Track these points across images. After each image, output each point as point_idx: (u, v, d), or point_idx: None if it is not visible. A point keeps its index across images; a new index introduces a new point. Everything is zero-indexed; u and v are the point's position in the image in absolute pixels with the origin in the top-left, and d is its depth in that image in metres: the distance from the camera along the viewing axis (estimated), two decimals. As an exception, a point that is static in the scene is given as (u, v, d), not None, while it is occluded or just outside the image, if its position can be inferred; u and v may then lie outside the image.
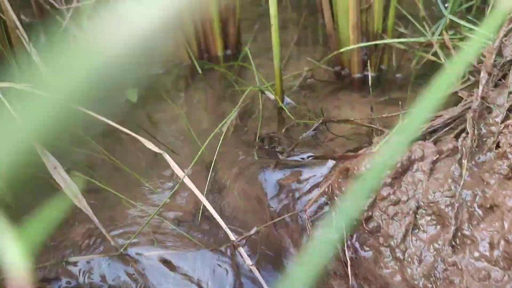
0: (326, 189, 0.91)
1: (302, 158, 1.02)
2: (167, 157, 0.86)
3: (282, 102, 1.23)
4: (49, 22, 1.90)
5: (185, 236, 0.91)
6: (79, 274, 0.84)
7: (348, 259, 0.86)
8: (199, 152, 0.99)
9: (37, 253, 0.92)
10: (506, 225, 0.75)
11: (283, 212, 0.94)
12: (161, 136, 1.23)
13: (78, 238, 0.94)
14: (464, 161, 0.82)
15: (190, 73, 1.53)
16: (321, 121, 1.06)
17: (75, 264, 0.86)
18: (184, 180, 0.84)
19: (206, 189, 0.97)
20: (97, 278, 0.84)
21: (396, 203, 0.86)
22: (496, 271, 0.75)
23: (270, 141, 1.12)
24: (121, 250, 0.85)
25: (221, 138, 1.12)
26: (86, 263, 0.87)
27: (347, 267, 0.85)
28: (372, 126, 1.04)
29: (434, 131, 0.90)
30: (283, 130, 1.16)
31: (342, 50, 1.26)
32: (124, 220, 0.95)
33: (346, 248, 0.88)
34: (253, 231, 0.85)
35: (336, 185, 0.91)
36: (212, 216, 0.85)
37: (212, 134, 1.04)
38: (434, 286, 0.80)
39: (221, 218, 0.93)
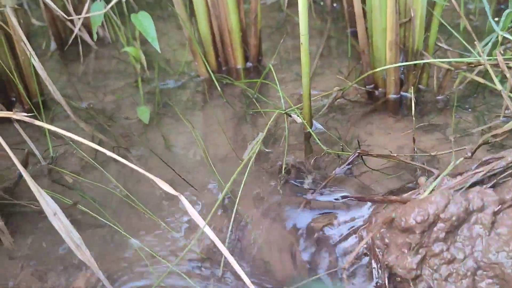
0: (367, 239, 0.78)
1: (336, 199, 0.90)
2: (184, 201, 0.75)
3: (311, 126, 1.11)
4: (59, 28, 1.80)
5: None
6: None
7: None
8: (221, 197, 0.87)
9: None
10: None
11: (316, 262, 0.82)
12: (177, 163, 1.11)
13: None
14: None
15: (208, 88, 1.41)
16: (357, 154, 0.94)
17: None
18: (205, 229, 0.73)
19: (228, 237, 0.85)
20: None
21: (451, 262, 0.73)
22: None
23: (297, 174, 1.00)
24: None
25: (245, 167, 1.00)
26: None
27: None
28: (417, 164, 0.91)
29: (494, 175, 0.78)
30: (312, 160, 1.03)
31: (378, 69, 1.13)
32: (132, 269, 0.84)
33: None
34: (283, 290, 0.74)
35: (378, 235, 0.79)
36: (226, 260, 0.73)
37: (235, 173, 0.92)
38: None
39: (242, 263, 0.81)
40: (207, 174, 1.07)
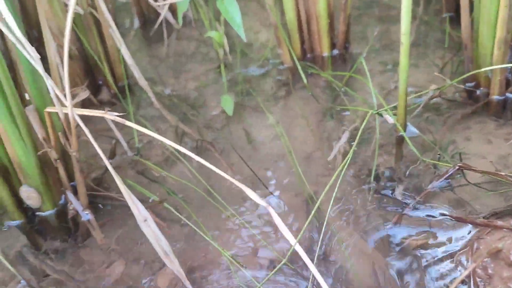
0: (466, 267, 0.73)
1: (431, 216, 0.84)
2: (273, 214, 0.72)
3: (405, 130, 1.03)
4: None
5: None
6: None
7: None
8: (311, 215, 0.84)
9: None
10: None
11: (406, 283, 0.77)
12: (259, 161, 1.09)
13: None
14: None
15: (292, 78, 1.37)
16: (457, 167, 0.86)
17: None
18: (296, 248, 0.70)
19: (316, 253, 0.82)
20: None
21: None
22: None
23: (388, 182, 0.94)
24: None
25: (331, 169, 0.96)
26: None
27: None
28: None
29: None
30: (405, 169, 0.97)
31: (483, 70, 1.02)
32: (213, 273, 0.84)
33: None
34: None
35: (481, 263, 0.72)
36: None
37: (327, 187, 0.88)
38: None
39: (328, 278, 0.79)
40: (289, 173, 1.04)
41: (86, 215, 0.95)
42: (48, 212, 0.97)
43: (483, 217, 0.80)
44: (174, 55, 1.60)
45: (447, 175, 0.88)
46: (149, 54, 1.64)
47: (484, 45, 1.05)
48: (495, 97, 1.09)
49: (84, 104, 1.39)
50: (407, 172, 0.96)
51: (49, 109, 0.83)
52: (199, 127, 1.23)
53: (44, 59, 0.84)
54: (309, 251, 0.84)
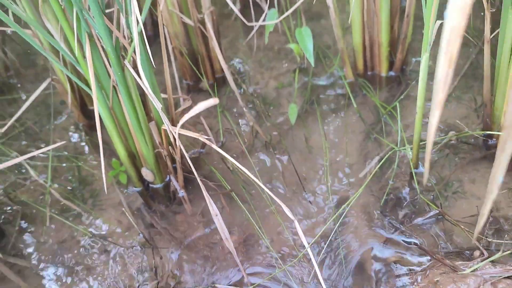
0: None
1: (409, 242, 1.19)
2: (298, 228, 1.12)
3: (417, 167, 1.34)
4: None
5: None
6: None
7: None
8: (332, 236, 1.22)
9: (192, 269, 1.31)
10: None
11: (379, 282, 1.16)
12: (311, 165, 1.46)
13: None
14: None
15: (352, 90, 1.67)
16: (436, 212, 1.19)
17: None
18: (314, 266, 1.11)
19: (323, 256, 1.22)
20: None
21: (468, 325, 1.01)
22: None
23: (392, 210, 1.29)
24: (251, 287, 1.19)
25: (358, 185, 1.32)
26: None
27: None
28: (479, 248, 1.13)
29: (528, 275, 0.99)
30: (409, 199, 1.30)
31: (497, 133, 1.28)
32: (258, 258, 1.27)
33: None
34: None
35: (427, 282, 1.08)
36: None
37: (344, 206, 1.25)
38: None
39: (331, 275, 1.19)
40: (324, 181, 1.41)
41: (181, 193, 1.42)
42: (158, 185, 1.46)
43: (441, 253, 1.13)
44: (264, 49, 1.95)
45: (425, 217, 1.21)
46: (244, 44, 1.99)
47: (498, 107, 1.30)
48: (502, 149, 1.34)
49: (190, 88, 1.83)
50: (411, 202, 1.29)
51: (163, 127, 1.27)
52: (269, 126, 1.62)
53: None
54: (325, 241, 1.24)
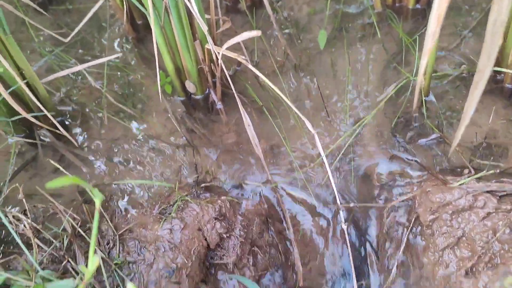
0: (412, 195, 1.31)
1: (411, 160, 1.39)
2: (317, 141, 1.33)
3: (427, 95, 1.51)
4: None
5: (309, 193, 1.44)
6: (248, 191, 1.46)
7: (406, 238, 1.32)
8: (339, 155, 1.42)
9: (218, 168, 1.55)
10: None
11: (381, 191, 1.38)
12: (334, 88, 1.64)
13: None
14: (502, 223, 1.14)
15: (378, 20, 1.80)
16: (438, 135, 1.37)
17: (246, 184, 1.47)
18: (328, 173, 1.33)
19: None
20: (256, 196, 1.45)
21: (449, 226, 1.24)
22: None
23: (401, 131, 1.48)
24: (274, 185, 1.43)
25: (374, 109, 1.51)
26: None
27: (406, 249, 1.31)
28: (468, 166, 1.31)
29: (505, 191, 1.19)
30: (415, 123, 1.48)
31: (505, 70, 1.42)
32: (281, 163, 1.50)
33: (410, 231, 1.32)
34: (351, 204, 1.35)
35: (420, 191, 1.30)
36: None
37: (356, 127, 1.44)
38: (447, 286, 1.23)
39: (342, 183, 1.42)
40: (344, 103, 1.60)
41: (219, 104, 1.63)
42: (198, 96, 1.67)
43: (436, 170, 1.34)
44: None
45: (429, 138, 1.40)
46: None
47: (508, 47, 1.43)
48: (507, 85, 1.49)
49: (228, 9, 1.98)
50: (414, 126, 1.48)
51: (206, 46, 1.46)
52: (299, 50, 1.78)
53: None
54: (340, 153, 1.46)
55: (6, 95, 1.35)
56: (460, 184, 1.24)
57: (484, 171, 1.25)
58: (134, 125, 1.66)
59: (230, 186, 1.47)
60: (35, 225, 1.18)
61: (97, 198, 0.69)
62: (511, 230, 1.16)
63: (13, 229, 1.19)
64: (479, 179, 1.25)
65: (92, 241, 0.68)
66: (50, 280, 1.03)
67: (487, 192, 1.21)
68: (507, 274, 1.11)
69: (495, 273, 1.14)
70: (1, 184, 1.49)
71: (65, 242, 1.19)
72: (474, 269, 1.18)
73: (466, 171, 1.29)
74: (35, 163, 1.58)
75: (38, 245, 1.18)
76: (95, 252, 1.24)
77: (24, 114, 1.43)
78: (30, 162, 1.58)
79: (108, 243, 1.26)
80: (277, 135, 1.56)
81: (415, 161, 1.38)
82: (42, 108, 1.47)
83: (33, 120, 1.49)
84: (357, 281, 1.34)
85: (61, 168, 1.40)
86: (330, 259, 1.39)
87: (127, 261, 1.24)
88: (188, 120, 1.65)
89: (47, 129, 1.61)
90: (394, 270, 1.30)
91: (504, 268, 1.12)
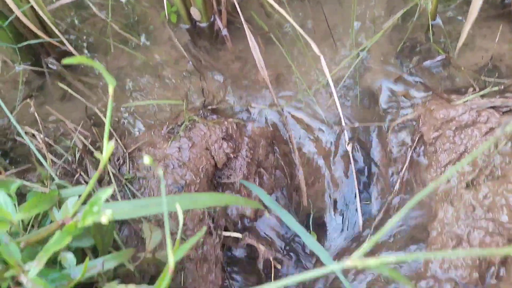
0: (416, 114, 1.33)
1: (416, 81, 1.40)
2: (322, 62, 1.34)
3: (434, 19, 1.50)
4: None
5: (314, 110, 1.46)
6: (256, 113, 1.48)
7: (409, 157, 1.35)
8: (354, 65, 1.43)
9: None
10: (505, 192, 1.15)
11: (387, 110, 1.40)
12: (340, 16, 1.64)
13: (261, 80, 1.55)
14: (503, 139, 1.16)
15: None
16: (444, 57, 1.38)
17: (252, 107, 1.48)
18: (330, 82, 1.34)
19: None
20: (262, 119, 1.47)
21: (452, 143, 1.26)
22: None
23: (406, 55, 1.48)
24: (279, 107, 1.45)
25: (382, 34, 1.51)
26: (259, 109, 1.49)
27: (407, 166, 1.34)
28: (472, 84, 1.32)
29: (508, 106, 1.20)
30: (421, 47, 1.48)
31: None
32: (287, 88, 1.51)
33: (413, 151, 1.35)
34: (356, 125, 1.37)
35: (424, 110, 1.32)
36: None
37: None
38: (449, 201, 1.27)
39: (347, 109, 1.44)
40: (350, 31, 1.60)
41: (224, 31, 1.63)
42: (204, 24, 1.66)
43: (441, 90, 1.35)
44: None
45: (435, 60, 1.40)
46: None
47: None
48: (514, 8, 1.48)
49: None
50: (420, 50, 1.48)
51: (213, -31, 1.44)
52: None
53: None
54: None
55: (18, 12, 1.35)
56: (464, 102, 1.26)
57: (488, 88, 1.27)
58: (139, 53, 1.66)
59: (236, 109, 1.49)
60: (47, 139, 1.21)
61: (110, 84, 0.71)
62: (513, 144, 1.18)
63: (27, 143, 1.22)
64: (483, 97, 1.26)
65: (108, 122, 0.71)
66: (65, 187, 1.07)
67: (491, 108, 1.23)
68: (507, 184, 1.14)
69: (495, 184, 1.17)
70: (12, 107, 1.51)
71: (77, 156, 1.22)
72: (474, 182, 1.22)
73: (470, 89, 1.30)
74: (43, 90, 1.60)
75: (51, 160, 1.22)
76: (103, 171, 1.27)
77: (34, 29, 1.42)
78: (38, 89, 1.59)
79: (118, 160, 1.29)
80: (283, 66, 1.56)
81: (420, 82, 1.39)
82: (52, 27, 1.47)
83: (42, 36, 1.49)
84: (360, 200, 1.38)
85: (69, 91, 1.42)
86: (334, 179, 1.42)
87: (137, 176, 1.28)
88: (192, 48, 1.65)
89: (53, 57, 1.62)
90: (396, 187, 1.34)
91: (504, 180, 1.16)
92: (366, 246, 0.53)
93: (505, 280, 1.11)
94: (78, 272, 0.84)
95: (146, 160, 0.64)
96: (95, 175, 0.75)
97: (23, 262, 0.80)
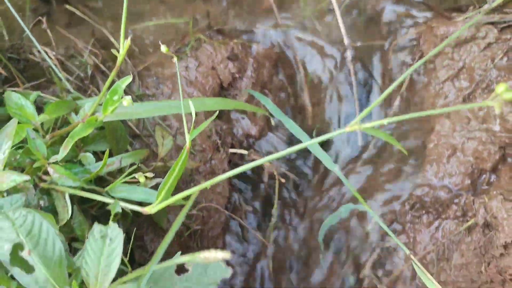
0: (416, 35, 1.36)
1: (418, 1, 1.42)
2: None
3: None
4: None
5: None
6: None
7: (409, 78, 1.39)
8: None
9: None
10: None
11: (388, 36, 1.43)
12: None
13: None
14: (501, 51, 1.20)
15: None
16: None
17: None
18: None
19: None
20: (267, 41, 1.50)
21: (451, 59, 1.30)
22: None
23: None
24: (284, 27, 1.48)
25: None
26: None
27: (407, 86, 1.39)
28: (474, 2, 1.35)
29: (505, 22, 1.23)
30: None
31: None
32: (291, 11, 1.54)
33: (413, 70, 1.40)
34: (358, 43, 1.40)
35: (425, 28, 1.35)
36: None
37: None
38: (446, 115, 1.32)
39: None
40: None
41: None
42: None
43: (442, 9, 1.38)
44: None
45: (438, -22, 1.42)
46: None
47: None
48: None
49: None
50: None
51: None
52: None
53: None
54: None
55: None
56: (465, 19, 1.29)
57: (488, 5, 1.29)
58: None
59: (241, 30, 1.52)
60: (59, 57, 1.25)
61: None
62: (509, 58, 1.22)
63: (40, 62, 1.27)
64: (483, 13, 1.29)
65: (124, 18, 0.75)
66: (80, 98, 1.12)
67: (489, 23, 1.26)
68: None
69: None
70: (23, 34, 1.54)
71: (89, 73, 1.27)
72: (471, 96, 1.27)
73: (471, 7, 1.33)
74: (49, 17, 1.63)
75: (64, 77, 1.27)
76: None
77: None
78: (44, 16, 1.62)
79: (128, 78, 1.34)
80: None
81: (422, 2, 1.41)
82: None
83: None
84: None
85: (77, 12, 1.45)
86: (337, 99, 1.48)
87: (146, 94, 1.33)
88: (197, -27, 1.66)
89: (59, -18, 1.63)
90: (396, 104, 1.39)
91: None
92: (363, 114, 0.59)
93: (495, 185, 1.18)
94: (97, 167, 0.91)
95: (163, 48, 0.68)
96: (113, 72, 0.80)
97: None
